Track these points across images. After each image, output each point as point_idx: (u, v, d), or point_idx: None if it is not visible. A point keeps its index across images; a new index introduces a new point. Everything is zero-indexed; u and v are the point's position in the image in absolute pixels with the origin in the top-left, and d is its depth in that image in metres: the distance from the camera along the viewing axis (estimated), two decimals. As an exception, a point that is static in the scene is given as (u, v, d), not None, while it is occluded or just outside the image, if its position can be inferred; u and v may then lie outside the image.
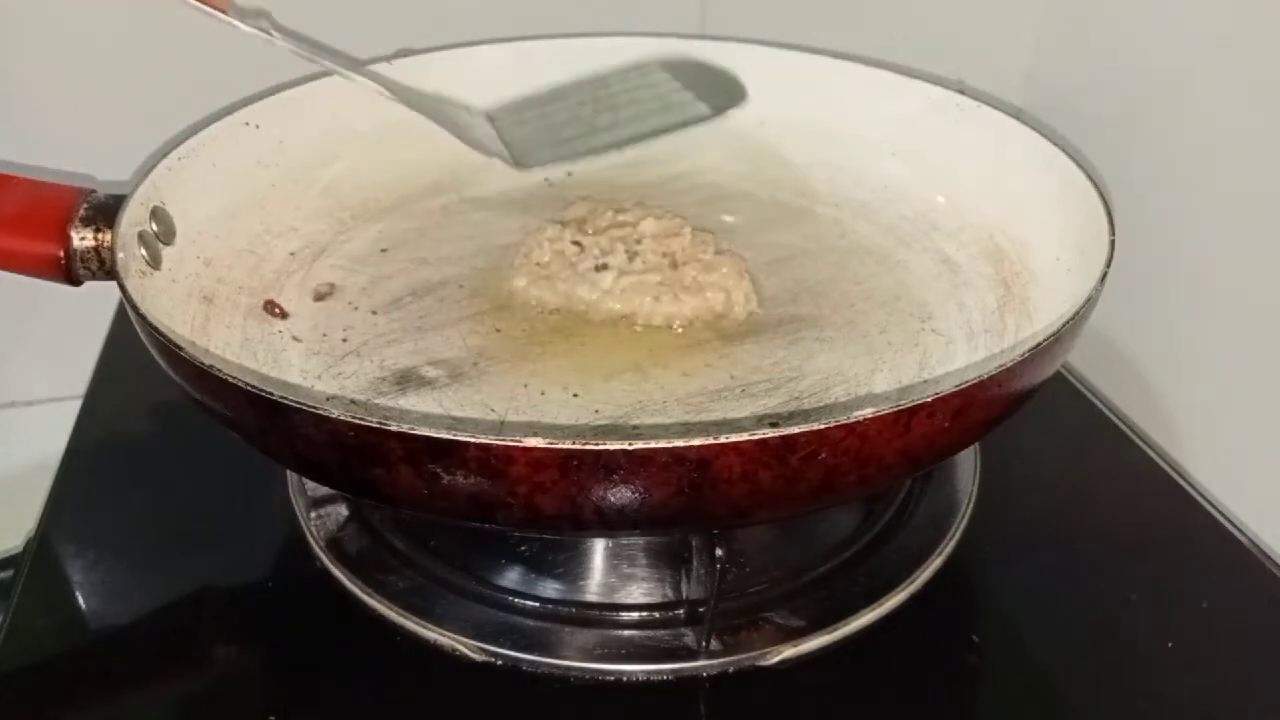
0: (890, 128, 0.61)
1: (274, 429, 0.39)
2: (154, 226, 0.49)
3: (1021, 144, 0.55)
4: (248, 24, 0.46)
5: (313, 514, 0.50)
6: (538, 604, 0.46)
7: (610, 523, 0.37)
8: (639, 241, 0.54)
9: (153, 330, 0.41)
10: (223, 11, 0.46)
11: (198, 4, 0.45)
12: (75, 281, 0.48)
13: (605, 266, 0.53)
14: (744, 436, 0.35)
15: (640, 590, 0.47)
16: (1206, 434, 0.59)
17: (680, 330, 0.51)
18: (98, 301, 0.56)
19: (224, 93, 0.59)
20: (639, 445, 0.35)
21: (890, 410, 0.36)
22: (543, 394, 0.48)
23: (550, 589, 0.47)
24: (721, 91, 0.53)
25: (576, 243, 0.54)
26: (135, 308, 0.43)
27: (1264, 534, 0.52)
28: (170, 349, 0.40)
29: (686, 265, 0.53)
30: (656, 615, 0.46)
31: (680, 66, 0.57)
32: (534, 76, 0.64)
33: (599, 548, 0.48)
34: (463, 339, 0.51)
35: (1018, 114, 0.57)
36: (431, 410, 0.47)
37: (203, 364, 0.39)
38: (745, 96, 0.52)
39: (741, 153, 0.64)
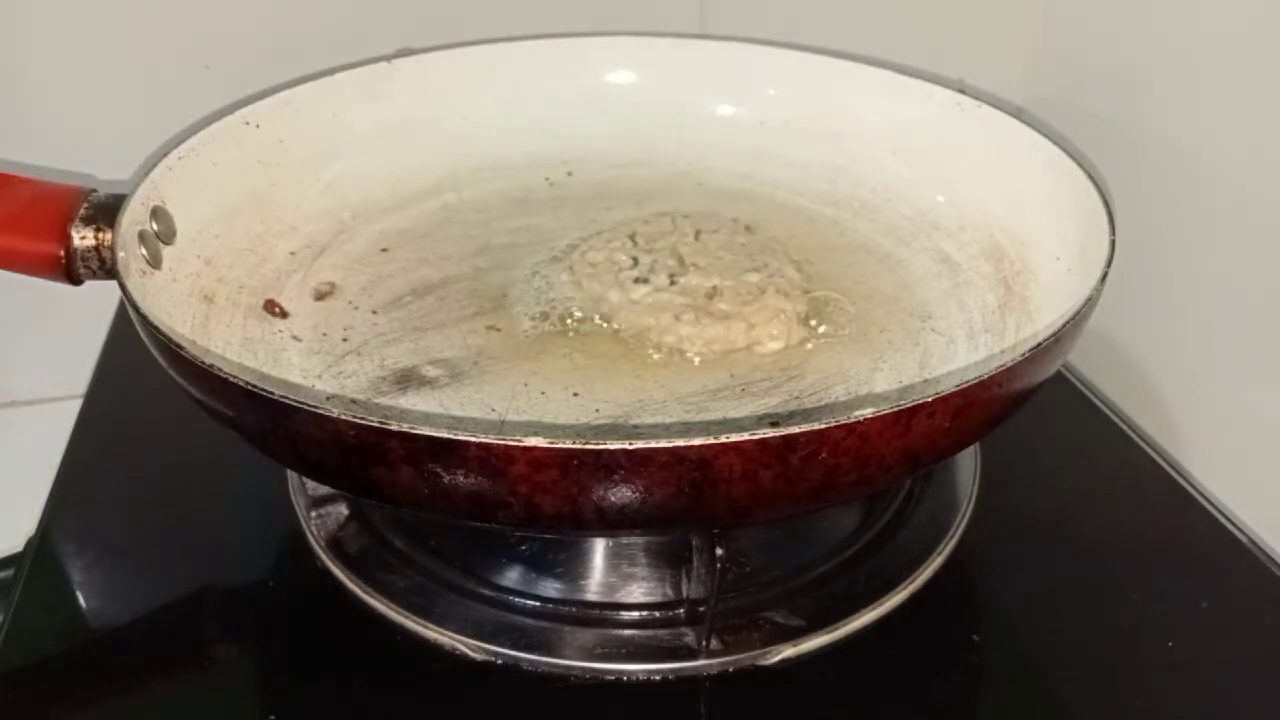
0: (890, 127, 0.61)
1: (274, 428, 0.39)
2: (154, 226, 0.49)
3: (1021, 144, 0.55)
4: None
5: (313, 514, 0.50)
6: (538, 603, 0.46)
7: (610, 522, 0.37)
8: (690, 267, 0.53)
9: (153, 330, 0.41)
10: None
11: None
12: (76, 281, 0.48)
13: (645, 281, 0.52)
14: (744, 436, 0.35)
15: (640, 589, 0.47)
16: (1206, 434, 0.59)
17: (697, 360, 0.50)
18: (98, 301, 0.56)
19: (224, 93, 0.59)
20: (639, 445, 0.35)
21: (890, 410, 0.36)
22: (543, 394, 0.48)
23: (550, 588, 0.47)
24: None
25: (633, 257, 0.54)
26: (135, 307, 0.43)
27: (1264, 534, 0.52)
28: (170, 348, 0.40)
29: (723, 294, 0.52)
30: (657, 615, 0.46)
31: None
32: (535, 77, 0.65)
33: (599, 547, 0.48)
34: (463, 338, 0.51)
35: (1018, 114, 0.57)
36: (432, 410, 0.47)
37: (203, 363, 0.39)
38: None
39: (741, 153, 0.64)
